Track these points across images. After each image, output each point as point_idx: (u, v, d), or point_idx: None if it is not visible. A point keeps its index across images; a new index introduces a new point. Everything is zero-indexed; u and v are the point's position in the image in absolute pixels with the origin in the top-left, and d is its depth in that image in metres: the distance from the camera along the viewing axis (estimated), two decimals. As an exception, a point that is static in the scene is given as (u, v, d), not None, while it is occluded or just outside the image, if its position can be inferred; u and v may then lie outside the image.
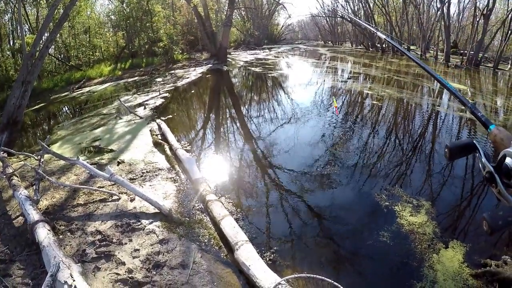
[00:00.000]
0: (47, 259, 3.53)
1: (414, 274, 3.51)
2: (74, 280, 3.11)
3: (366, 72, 20.11)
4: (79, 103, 13.87)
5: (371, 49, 42.04)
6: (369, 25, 2.92)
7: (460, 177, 5.89)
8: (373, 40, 40.91)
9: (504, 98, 14.45)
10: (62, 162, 6.25)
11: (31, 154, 6.56)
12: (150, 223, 4.26)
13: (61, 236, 4.16)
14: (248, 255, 3.46)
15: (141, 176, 5.57)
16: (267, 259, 3.67)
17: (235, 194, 5.25)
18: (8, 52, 19.48)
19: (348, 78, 18.16)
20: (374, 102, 11.91)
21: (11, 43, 20.50)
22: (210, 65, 23.14)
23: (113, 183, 5.12)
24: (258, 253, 3.56)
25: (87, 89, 16.81)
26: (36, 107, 14.65)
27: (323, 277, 2.98)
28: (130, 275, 3.40)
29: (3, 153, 7.32)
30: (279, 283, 2.95)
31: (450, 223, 4.53)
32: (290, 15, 57.20)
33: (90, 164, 5.60)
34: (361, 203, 5.06)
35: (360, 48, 46.82)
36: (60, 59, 23.12)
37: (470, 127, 8.81)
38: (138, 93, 13.26)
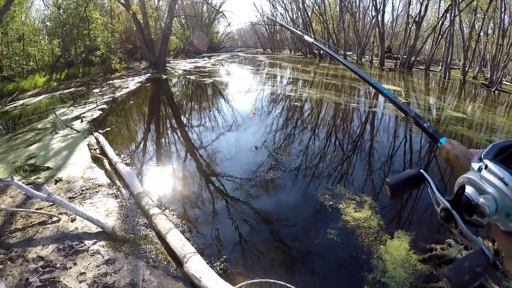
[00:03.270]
0: None
1: (364, 266, 3.76)
2: None
3: (304, 78, 20.89)
4: (12, 117, 13.03)
5: (309, 56, 43.60)
6: (296, 29, 2.99)
7: (399, 170, 6.34)
8: (311, 47, 42.38)
9: (435, 96, 15.73)
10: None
11: None
12: (94, 243, 4.21)
13: (1, 266, 3.98)
14: (198, 266, 3.50)
15: (81, 194, 5.44)
16: (218, 268, 3.73)
17: (180, 205, 5.26)
18: None
19: (286, 84, 18.77)
20: (313, 106, 12.48)
21: None
22: (149, 74, 22.74)
23: (51, 203, 4.98)
24: (208, 264, 3.63)
25: (20, 102, 15.78)
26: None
27: (275, 280, 3.12)
28: None
29: None
30: None
31: (393, 214, 4.89)
32: (230, 23, 57.54)
33: (26, 184, 5.41)
34: (307, 204, 5.26)
35: (298, 55, 48.37)
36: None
37: (407, 124, 9.53)
38: (75, 105, 12.74)
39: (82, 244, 4.19)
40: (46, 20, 26.98)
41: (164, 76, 22.34)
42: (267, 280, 3.20)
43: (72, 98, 14.79)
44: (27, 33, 24.19)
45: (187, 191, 5.81)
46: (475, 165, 0.64)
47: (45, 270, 3.80)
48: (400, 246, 4.10)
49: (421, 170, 0.74)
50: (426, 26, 34.12)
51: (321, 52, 40.19)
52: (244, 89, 16.38)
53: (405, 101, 13.11)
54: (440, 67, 28.01)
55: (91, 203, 5.17)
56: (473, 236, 0.60)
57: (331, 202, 5.12)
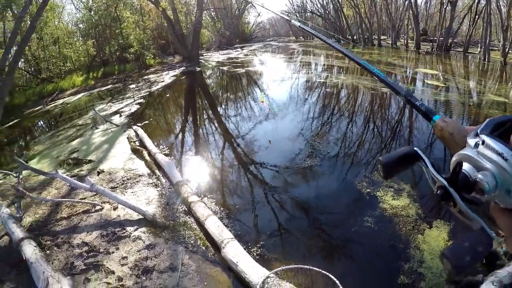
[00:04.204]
0: (36, 276, 3.56)
1: (401, 255, 3.61)
2: None
3: (338, 64, 20.41)
4: (53, 116, 13.63)
5: (342, 42, 42.56)
6: (284, 15, 2.82)
7: (440, 158, 6.08)
8: (343, 33, 41.43)
9: (475, 80, 14.93)
10: (42, 177, 6.21)
11: (9, 172, 6.50)
12: (135, 229, 4.32)
13: (48, 251, 4.17)
14: (235, 252, 3.52)
15: (122, 184, 5.60)
16: (255, 254, 3.72)
17: (218, 193, 5.31)
18: None
19: (321, 71, 18.44)
20: (348, 92, 12.18)
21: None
22: (183, 68, 23.02)
23: (94, 193, 5.13)
24: (245, 249, 3.63)
25: (60, 101, 16.50)
26: (10, 123, 14.34)
27: (310, 267, 3.05)
28: (120, 283, 3.46)
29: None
30: (268, 277, 3.01)
31: (432, 203, 4.64)
32: (260, 13, 56.96)
33: (70, 177, 5.60)
34: (344, 191, 5.14)
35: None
36: (30, 72, 22.49)
37: (447, 111, 9.11)
38: (113, 101, 13.13)
39: (124, 231, 4.32)
40: (78, 22, 28.10)
41: (198, 69, 22.50)
42: (303, 266, 3.14)
43: (109, 95, 15.25)
44: (62, 36, 25.29)
45: (225, 179, 5.85)
46: (472, 141, 0.61)
47: (89, 254, 3.97)
48: (439, 236, 3.89)
49: (415, 148, 0.72)
50: (461, 6, 32.27)
51: (355, 38, 39.22)
52: (278, 77, 16.19)
53: (443, 85, 12.48)
54: (478, 49, 26.34)
55: (132, 192, 5.30)
56: (473, 214, 0.59)
57: (368, 190, 4.96)
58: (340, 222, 4.38)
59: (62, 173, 5.60)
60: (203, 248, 3.92)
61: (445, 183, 0.61)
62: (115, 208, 4.85)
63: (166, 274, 3.52)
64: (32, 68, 23.04)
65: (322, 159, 6.15)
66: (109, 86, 18.07)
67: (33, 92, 18.98)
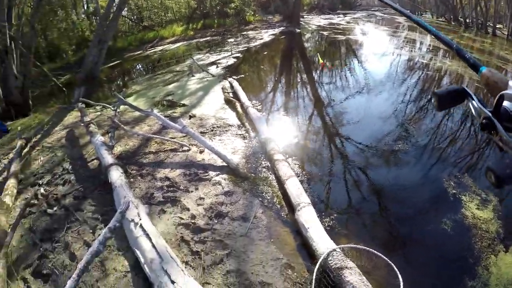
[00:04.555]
0: (117, 198, 3.81)
1: (467, 270, 3.23)
2: (140, 219, 3.30)
3: (445, 48, 18.42)
4: (152, 61, 14.28)
5: (453, 23, 38.51)
6: None
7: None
8: (456, 13, 37.39)
9: None
10: (136, 114, 6.43)
11: (108, 105, 6.81)
12: (217, 175, 4.35)
13: (132, 180, 4.42)
14: (309, 217, 3.40)
15: (212, 130, 5.66)
16: (326, 224, 3.58)
17: (301, 157, 5.16)
18: (83, 15, 20.39)
19: (425, 52, 16.81)
20: (452, 81, 10.88)
21: (85, 6, 21.32)
22: (282, 28, 22.53)
23: (184, 135, 5.26)
24: (318, 217, 3.47)
25: (160, 48, 17.22)
26: (111, 64, 15.32)
27: (378, 253, 2.83)
28: (192, 221, 3.54)
29: (81, 104, 7.71)
30: (334, 250, 2.88)
31: None
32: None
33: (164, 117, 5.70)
34: (427, 185, 4.66)
35: (441, 21, 43.16)
36: (133, 20, 23.69)
37: None
38: (210, 53, 13.30)
39: (206, 174, 4.37)
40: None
41: (298, 30, 21.83)
42: (370, 249, 2.88)
43: (207, 46, 15.49)
44: None
45: (310, 145, 5.66)
46: None
47: (169, 189, 4.12)
48: (512, 265, 3.26)
49: (464, 86, 0.86)
50: None
51: (467, 20, 35.10)
52: (379, 51, 15.03)
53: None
54: None
55: (220, 140, 5.34)
56: None
57: (454, 191, 4.36)
58: (414, 216, 4.02)
59: (157, 112, 5.68)
60: (278, 206, 3.84)
61: (489, 114, 0.75)
62: (201, 152, 4.93)
63: (237, 222, 3.51)
64: (135, 17, 24.23)
65: (411, 146, 5.59)
66: (207, 38, 18.38)
67: (135, 38, 20.16)
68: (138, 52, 17.65)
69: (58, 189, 4.95)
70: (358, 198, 4.30)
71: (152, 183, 4.32)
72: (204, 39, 18.40)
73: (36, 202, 4.87)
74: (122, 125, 5.48)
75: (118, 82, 12.32)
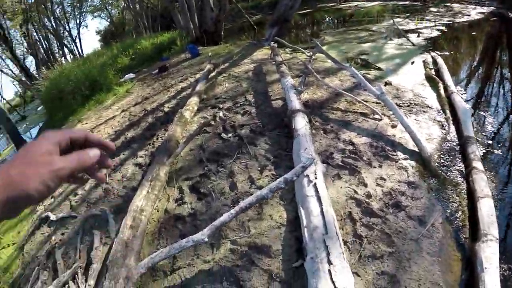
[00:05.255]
0: (297, 147, 3.56)
1: None
2: (316, 178, 2.96)
3: None
4: (344, 15, 13.66)
5: None
6: None
7: None
8: None
9: None
10: (327, 65, 6.10)
11: (302, 49, 6.60)
12: (405, 159, 3.67)
13: (314, 131, 4.12)
14: (491, 256, 2.56)
15: (408, 106, 4.84)
16: (502, 271, 2.61)
17: (505, 174, 3.90)
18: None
19: None
20: None
21: None
22: (492, 8, 19.09)
23: (377, 102, 4.66)
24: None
25: (354, 3, 16.40)
26: (303, 11, 15.23)
27: None
28: (366, 200, 3.07)
29: (274, 43, 7.75)
30: None
31: None
32: None
33: (358, 75, 5.24)
34: None
35: None
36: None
37: None
38: (410, 19, 11.96)
39: (394, 153, 3.75)
40: None
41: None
42: None
43: (405, 11, 13.99)
44: None
45: None
46: None
47: (351, 155, 3.70)
48: None
49: None
50: None
51: None
52: None
53: None
54: None
55: (415, 120, 4.51)
56: None
57: None
58: None
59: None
60: (460, 223, 3.00)
61: None
62: (393, 126, 4.25)
63: (412, 222, 2.89)
64: None
65: None
66: (406, 2, 16.64)
67: None
68: (331, 4, 17.21)
69: (237, 118, 4.99)
70: None
71: (334, 142, 3.94)
72: (402, 2, 16.75)
73: (212, 123, 5.02)
74: (314, 73, 5.19)
75: (307, 30, 12.20)
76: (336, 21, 13.44)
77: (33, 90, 14.75)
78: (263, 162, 3.82)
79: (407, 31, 9.58)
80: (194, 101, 5.86)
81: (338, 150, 3.79)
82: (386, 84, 5.43)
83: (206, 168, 4.03)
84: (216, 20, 14.37)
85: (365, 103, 4.59)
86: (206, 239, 2.58)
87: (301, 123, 3.90)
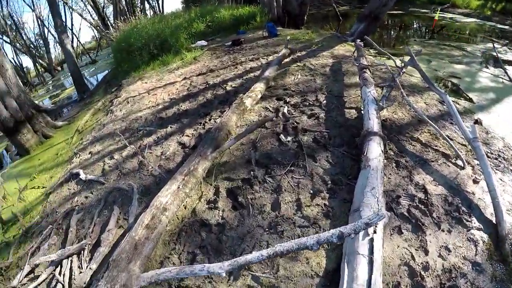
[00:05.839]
0: (363, 181, 2.90)
1: None
2: (375, 232, 2.41)
3: None
4: (435, 25, 12.47)
5: None
6: None
7: None
8: None
9: None
10: (414, 80, 5.41)
11: (394, 57, 5.83)
12: (478, 229, 2.83)
13: (385, 161, 3.40)
14: None
15: (496, 158, 3.84)
16: None
17: None
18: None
19: None
20: None
21: None
22: None
23: (463, 144, 3.86)
24: None
25: (449, 15, 14.97)
26: (393, 12, 14.11)
27: None
28: (422, 273, 2.44)
29: (360, 41, 7.03)
30: None
31: None
32: None
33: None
34: None
35: None
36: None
37: None
38: (509, 47, 10.62)
39: (468, 219, 2.91)
40: None
41: None
42: None
43: (502, 36, 12.51)
44: None
45: None
46: None
47: (420, 206, 2.97)
48: None
49: None
50: None
51: None
52: None
53: None
54: None
55: (500, 180, 3.47)
56: None
57: None
58: None
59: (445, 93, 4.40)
60: None
61: None
62: (475, 181, 3.35)
63: None
64: None
65: None
66: (505, 26, 14.93)
67: None
68: (424, 11, 15.91)
69: (302, 119, 4.39)
70: None
71: (405, 183, 3.21)
72: (500, 26, 15.02)
73: (274, 119, 4.48)
74: (402, 89, 4.44)
75: (393, 33, 11.28)
76: (425, 30, 12.31)
77: (107, 38, 15.06)
78: (318, 185, 3.24)
79: (504, 61, 8.48)
80: (259, 87, 5.34)
81: (407, 194, 3.08)
82: (476, 122, 4.57)
83: (252, 172, 3.52)
84: (302, 2, 13.67)
85: (450, 141, 3.75)
86: (224, 274, 2.14)
87: (375, 151, 3.24)
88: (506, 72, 7.09)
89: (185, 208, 3.26)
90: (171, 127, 5.15)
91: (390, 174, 3.34)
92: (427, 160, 3.55)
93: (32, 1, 27.59)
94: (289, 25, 13.19)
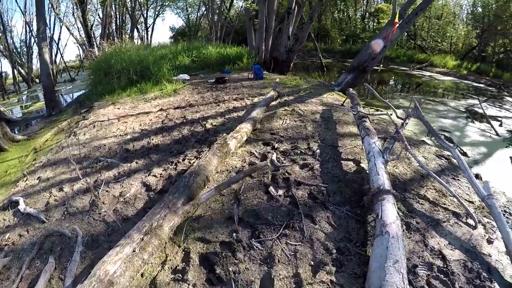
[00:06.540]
0: (381, 252, 2.25)
1: None
2: None
3: None
4: (416, 83, 12.68)
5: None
6: None
7: None
8: None
9: None
10: (408, 133, 5.08)
11: (391, 105, 5.54)
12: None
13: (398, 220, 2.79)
14: None
15: (504, 212, 3.62)
16: None
17: None
18: (358, 15, 20.64)
19: None
20: None
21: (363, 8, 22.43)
22: None
23: (471, 200, 3.40)
24: None
25: (427, 73, 15.34)
26: (375, 68, 14.34)
27: None
28: None
29: (352, 90, 6.86)
30: None
31: None
32: None
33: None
34: None
35: None
36: (409, 34, 22.35)
37: None
38: (488, 103, 10.62)
39: (491, 285, 2.37)
40: (466, 7, 25.69)
41: None
42: None
43: (479, 94, 12.65)
44: (445, 14, 24.57)
45: None
46: None
47: (440, 276, 2.40)
48: None
49: None
50: None
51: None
52: None
53: None
54: None
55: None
56: None
57: None
58: None
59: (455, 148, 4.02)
60: None
61: None
62: (489, 242, 2.81)
63: None
64: (410, 32, 23.63)
65: None
66: (480, 85, 15.11)
67: (404, 53, 20.08)
68: (403, 68, 16.35)
69: (294, 169, 3.75)
70: None
71: (420, 249, 2.63)
72: (476, 84, 15.30)
73: (262, 165, 3.77)
74: (406, 142, 4.06)
75: (373, 87, 11.34)
76: (402, 86, 12.46)
77: (89, 58, 14.66)
78: (321, 254, 2.53)
79: (484, 117, 8.38)
80: (246, 128, 4.71)
81: (424, 263, 2.49)
82: (476, 177, 4.26)
83: (235, 234, 2.72)
84: (290, 49, 13.70)
85: (461, 200, 3.18)
86: None
87: (391, 214, 2.59)
88: (492, 127, 6.97)
89: (142, 276, 2.43)
90: (137, 162, 4.40)
91: (402, 239, 2.82)
92: (438, 221, 3.00)
93: (25, 5, 26.71)
94: (275, 70, 13.14)
